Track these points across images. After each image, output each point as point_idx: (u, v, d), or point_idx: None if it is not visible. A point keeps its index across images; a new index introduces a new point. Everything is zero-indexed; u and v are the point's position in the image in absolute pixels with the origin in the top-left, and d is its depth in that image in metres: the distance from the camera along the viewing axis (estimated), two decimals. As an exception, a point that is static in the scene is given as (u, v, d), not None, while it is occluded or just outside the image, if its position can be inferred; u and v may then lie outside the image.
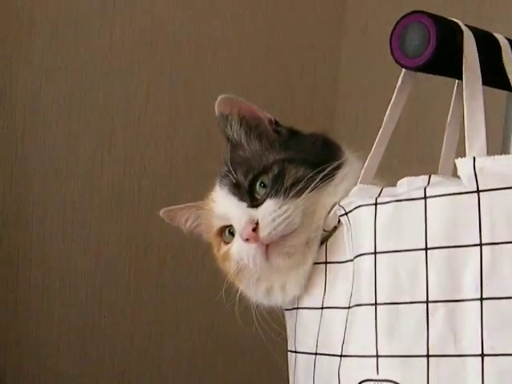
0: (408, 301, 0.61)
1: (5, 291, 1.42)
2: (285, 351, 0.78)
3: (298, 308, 0.74)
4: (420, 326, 0.60)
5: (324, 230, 0.72)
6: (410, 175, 0.65)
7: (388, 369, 0.62)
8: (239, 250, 0.74)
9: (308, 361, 0.72)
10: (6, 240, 1.42)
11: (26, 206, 1.43)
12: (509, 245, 0.58)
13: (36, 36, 1.42)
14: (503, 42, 0.71)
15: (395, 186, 0.66)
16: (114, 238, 1.52)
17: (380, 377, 0.62)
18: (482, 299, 0.58)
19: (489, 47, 0.69)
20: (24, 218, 1.44)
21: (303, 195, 0.71)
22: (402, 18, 0.67)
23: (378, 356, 0.62)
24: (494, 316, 0.57)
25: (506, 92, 0.75)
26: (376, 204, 0.64)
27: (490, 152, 0.62)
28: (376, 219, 0.64)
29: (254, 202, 0.73)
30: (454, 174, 0.63)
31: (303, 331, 0.73)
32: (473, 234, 0.59)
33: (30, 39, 1.42)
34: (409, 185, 0.64)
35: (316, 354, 0.70)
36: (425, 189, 0.62)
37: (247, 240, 0.71)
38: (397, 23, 0.67)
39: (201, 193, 0.82)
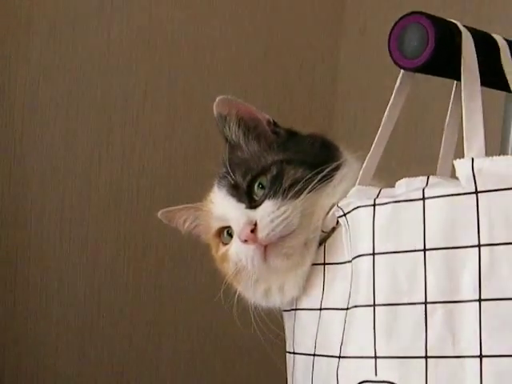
0: (406, 302, 0.61)
1: (3, 291, 1.42)
2: (283, 352, 0.78)
3: (296, 309, 0.74)
4: (418, 327, 0.60)
5: (322, 231, 0.72)
6: (409, 176, 0.65)
7: (386, 370, 0.62)
8: (237, 251, 0.74)
9: (306, 362, 0.72)
10: (5, 239, 1.42)
11: (24, 205, 1.43)
12: (507, 246, 0.57)
13: (34, 34, 1.42)
14: (502, 43, 0.71)
15: (393, 187, 0.66)
16: (113, 238, 1.52)
17: (378, 378, 0.62)
18: (480, 300, 0.58)
19: (487, 48, 0.69)
20: (22, 217, 1.43)
21: (302, 196, 0.71)
22: (401, 18, 0.67)
23: (376, 357, 0.62)
24: (492, 317, 0.57)
25: (504, 93, 0.75)
26: (374, 205, 0.64)
27: (489, 153, 0.62)
28: (374, 220, 0.64)
29: (253, 203, 0.73)
30: (453, 175, 0.63)
31: (301, 332, 0.73)
32: (471, 235, 0.59)
33: (28, 38, 1.42)
34: (407, 186, 0.64)
35: (314, 355, 0.70)
36: (423, 190, 0.62)
37: (245, 241, 0.71)
38: (395, 24, 0.67)
39: (199, 193, 0.82)
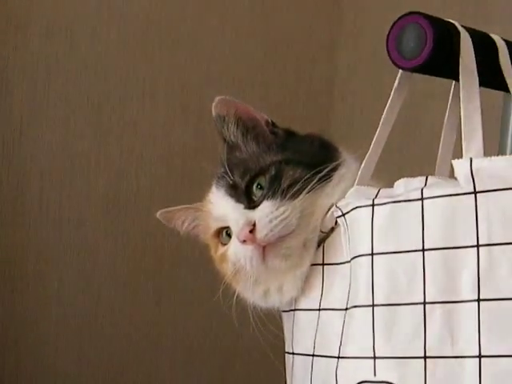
0: (405, 302, 0.61)
1: (3, 291, 1.42)
2: (282, 353, 0.77)
3: (295, 310, 0.74)
4: (417, 327, 0.60)
5: (321, 232, 0.72)
6: (407, 176, 0.65)
7: (385, 370, 0.62)
8: (236, 252, 0.74)
9: (305, 362, 0.72)
10: (4, 239, 1.42)
11: (23, 205, 1.43)
12: (506, 246, 0.58)
13: (32, 35, 1.42)
14: (500, 43, 0.71)
15: (392, 187, 0.66)
16: (112, 238, 1.52)
17: (377, 378, 0.62)
18: (479, 300, 0.58)
19: (486, 48, 0.69)
20: (21, 217, 1.43)
21: (300, 196, 0.71)
22: (399, 18, 0.67)
23: (375, 357, 0.62)
24: (491, 317, 0.57)
25: (502, 93, 0.75)
26: (373, 205, 0.64)
27: (487, 153, 0.62)
28: (373, 220, 0.64)
29: (251, 204, 0.73)
30: (451, 175, 0.63)
31: (300, 333, 0.73)
32: (470, 235, 0.59)
33: (26, 38, 1.42)
34: (406, 186, 0.64)
35: (313, 355, 0.70)
36: (422, 190, 0.62)
37: (244, 242, 0.71)
38: (393, 24, 0.67)
39: (198, 193, 0.82)
